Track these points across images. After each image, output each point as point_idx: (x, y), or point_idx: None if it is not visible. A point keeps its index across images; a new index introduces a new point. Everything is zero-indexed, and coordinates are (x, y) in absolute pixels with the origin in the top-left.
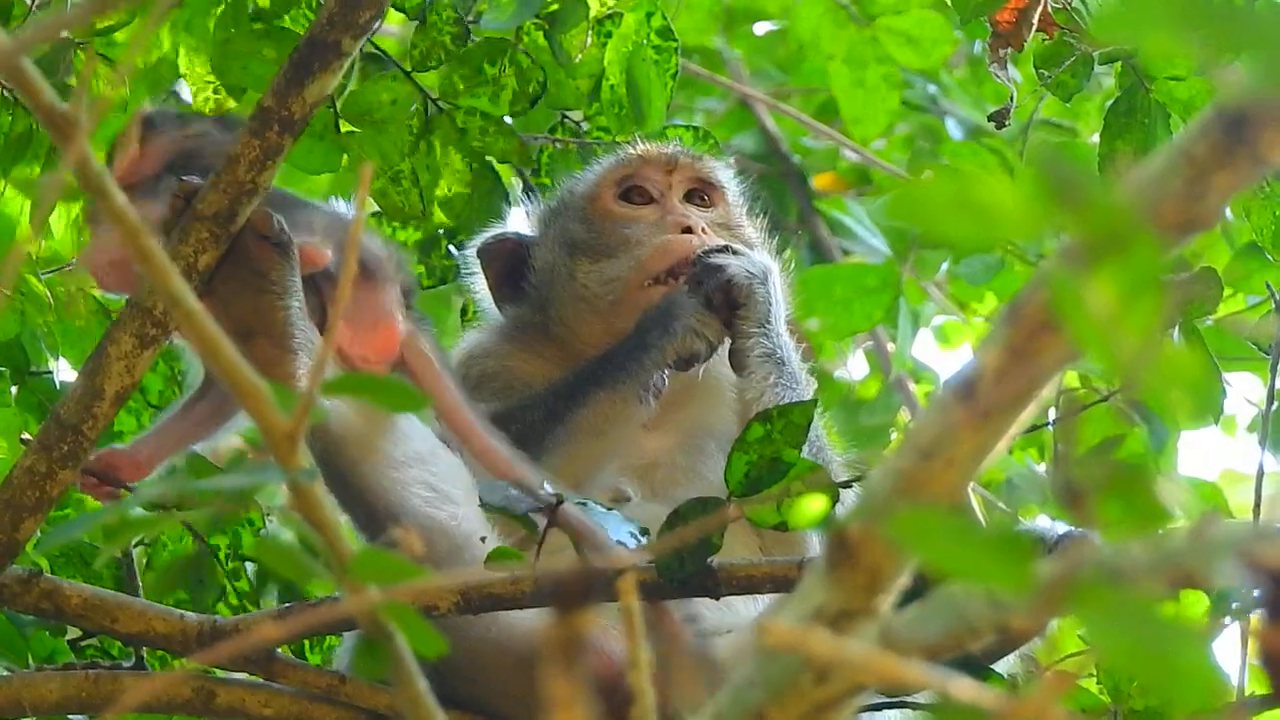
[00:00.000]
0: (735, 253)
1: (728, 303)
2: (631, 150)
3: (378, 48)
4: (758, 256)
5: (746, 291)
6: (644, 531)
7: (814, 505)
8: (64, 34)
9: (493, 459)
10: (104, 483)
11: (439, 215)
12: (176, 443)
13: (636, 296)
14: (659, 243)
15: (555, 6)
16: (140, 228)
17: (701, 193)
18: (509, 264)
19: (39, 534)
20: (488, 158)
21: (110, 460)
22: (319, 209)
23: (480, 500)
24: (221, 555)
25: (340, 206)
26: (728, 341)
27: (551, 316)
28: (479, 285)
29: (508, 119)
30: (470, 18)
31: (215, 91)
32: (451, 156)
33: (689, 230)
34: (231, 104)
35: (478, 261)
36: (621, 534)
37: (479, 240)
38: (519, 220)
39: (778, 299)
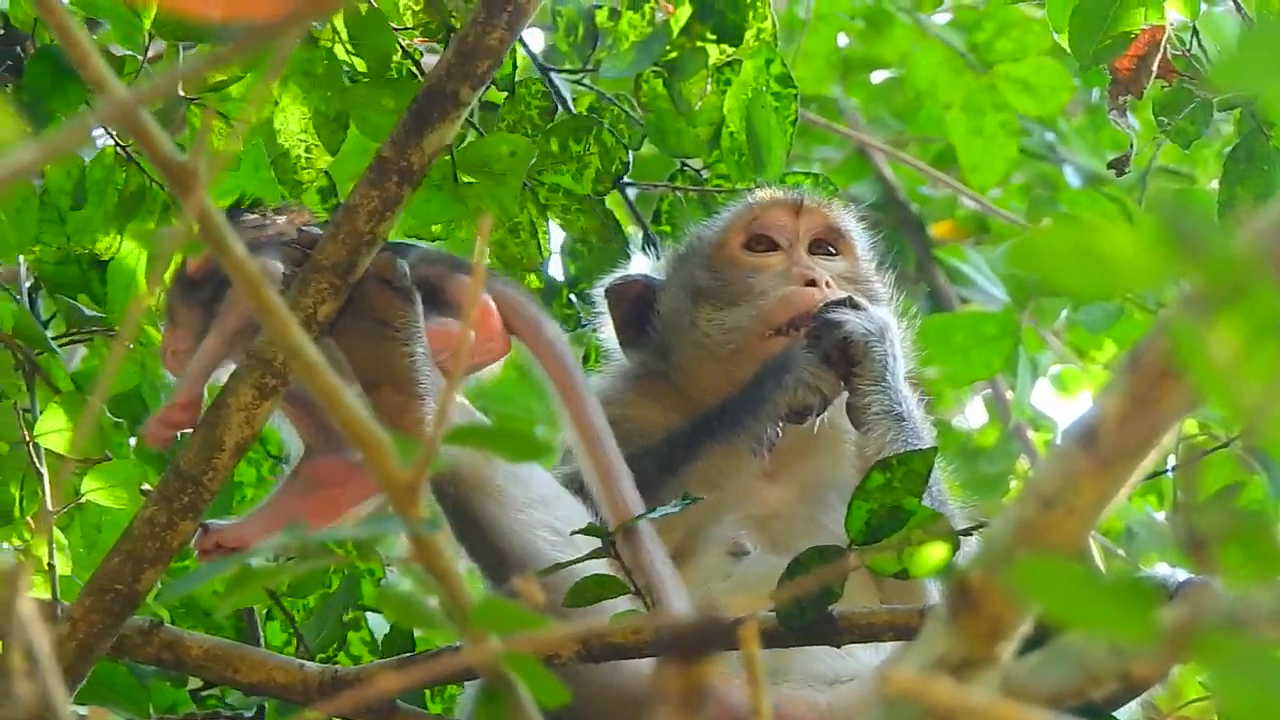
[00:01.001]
0: (856, 307)
1: (845, 358)
2: (759, 195)
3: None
4: (877, 312)
5: (863, 349)
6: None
7: (935, 553)
8: (178, 89)
9: (597, 449)
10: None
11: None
12: (280, 521)
13: (757, 347)
14: (781, 294)
15: (674, 54)
16: (260, 279)
17: (829, 243)
18: (635, 307)
19: (160, 585)
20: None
21: (218, 540)
22: (417, 248)
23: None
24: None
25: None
26: (845, 394)
27: (673, 363)
28: (604, 327)
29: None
30: (588, 65)
31: (307, 151)
32: (538, 229)
33: (813, 283)
34: (324, 160)
35: (604, 302)
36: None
37: (607, 281)
38: (646, 264)
39: (896, 355)
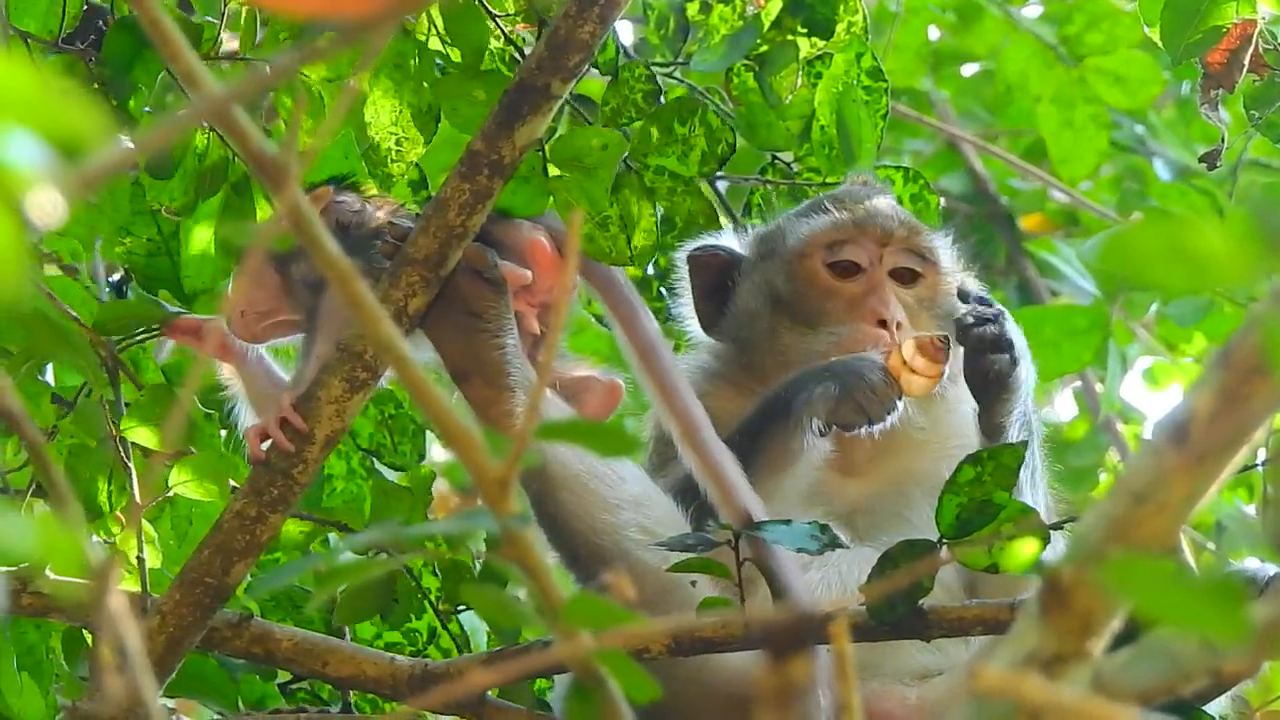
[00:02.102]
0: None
1: (990, 380)
2: (847, 216)
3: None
4: (1019, 338)
5: (1011, 383)
6: (824, 529)
7: (1025, 548)
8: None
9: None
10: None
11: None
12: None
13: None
14: (854, 332)
15: (765, 48)
16: (351, 274)
17: (911, 267)
18: (716, 277)
19: (249, 578)
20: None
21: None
22: (511, 223)
23: (660, 544)
24: (433, 597)
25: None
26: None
27: (754, 360)
28: (683, 295)
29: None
30: (679, 59)
31: (398, 143)
32: (642, 212)
33: (883, 323)
34: (415, 153)
35: (685, 268)
36: (802, 540)
37: (689, 247)
38: (731, 238)
39: (1031, 381)
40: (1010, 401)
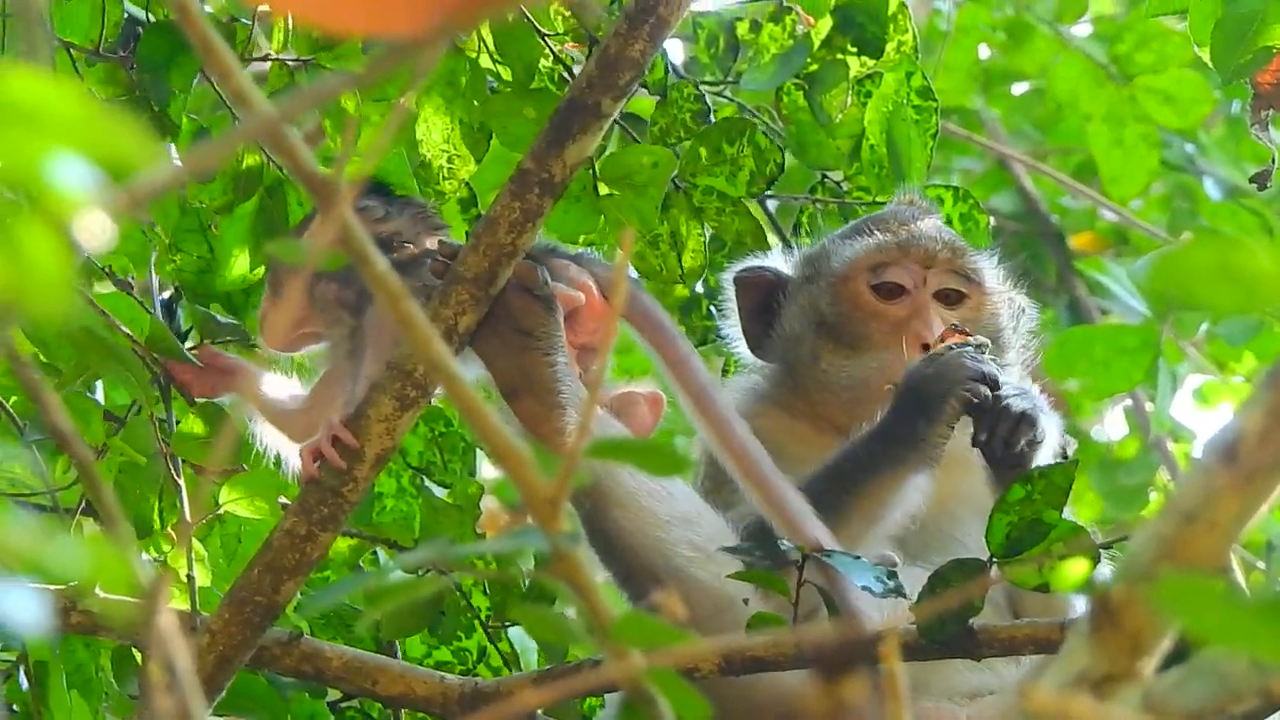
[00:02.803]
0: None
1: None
2: (891, 239)
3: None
4: (1040, 401)
5: (1031, 450)
6: (891, 574)
7: (1076, 568)
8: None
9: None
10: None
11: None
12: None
13: (876, 397)
14: (895, 359)
15: (815, 67)
16: (401, 292)
17: (956, 288)
18: (764, 297)
19: (299, 596)
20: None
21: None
22: (559, 248)
23: (729, 549)
24: (483, 615)
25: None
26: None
27: (799, 383)
28: (730, 316)
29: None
30: (730, 77)
31: (449, 161)
32: (691, 232)
33: (927, 347)
34: (467, 170)
35: (732, 289)
36: (867, 579)
37: (735, 268)
38: (779, 259)
39: (1051, 441)
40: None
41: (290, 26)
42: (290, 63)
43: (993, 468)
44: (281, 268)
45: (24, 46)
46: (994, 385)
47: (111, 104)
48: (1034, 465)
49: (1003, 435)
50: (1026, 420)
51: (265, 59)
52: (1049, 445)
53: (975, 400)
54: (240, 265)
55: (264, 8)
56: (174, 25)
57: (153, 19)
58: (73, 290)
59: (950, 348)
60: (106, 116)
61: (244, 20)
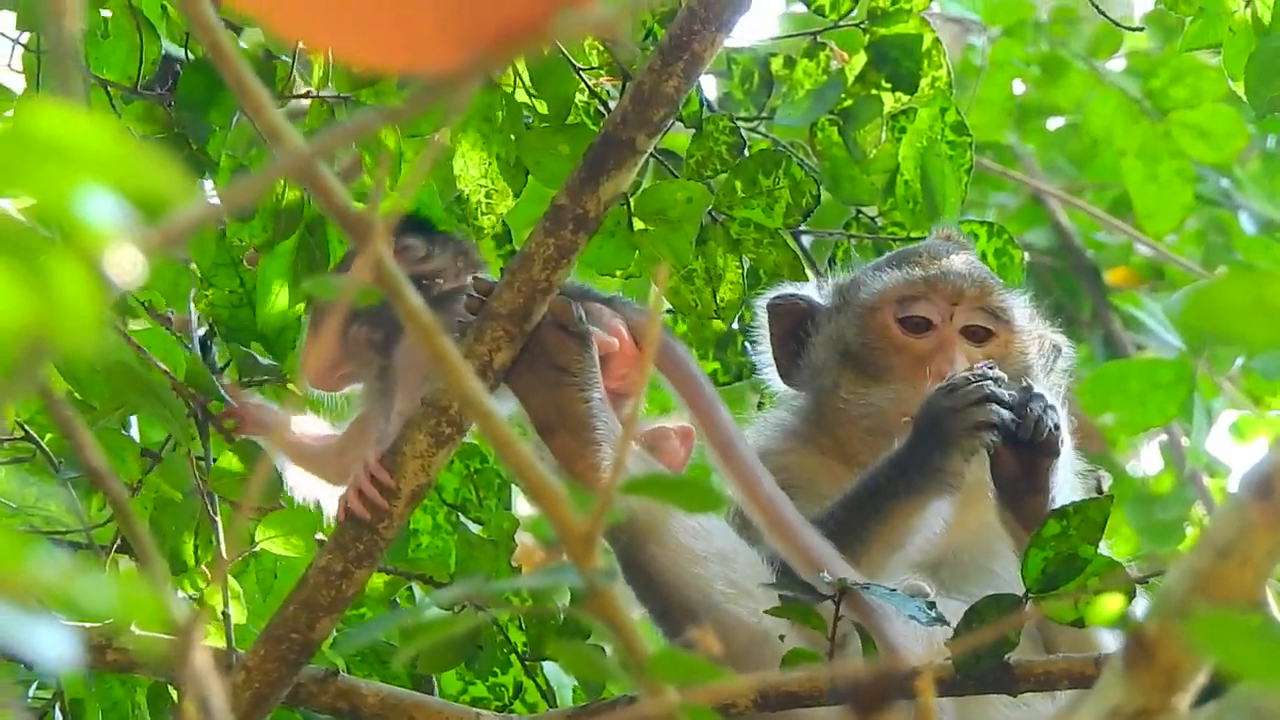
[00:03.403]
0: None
1: (1042, 447)
2: (920, 273)
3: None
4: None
5: (1050, 464)
6: (931, 605)
7: (1111, 603)
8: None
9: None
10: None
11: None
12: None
13: (893, 428)
14: (919, 390)
15: (849, 102)
16: (434, 329)
17: (984, 325)
18: (795, 324)
19: (335, 633)
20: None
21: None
22: (592, 290)
23: (767, 585)
24: (520, 651)
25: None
26: None
27: (823, 414)
28: (761, 343)
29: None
30: (764, 113)
31: (487, 195)
32: (728, 265)
33: None
34: (505, 205)
35: (765, 316)
36: (910, 610)
37: (770, 295)
38: (813, 289)
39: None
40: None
41: (330, 63)
42: (329, 99)
43: (1006, 496)
44: (322, 308)
45: (57, 82)
46: (1012, 411)
47: (149, 141)
48: (1056, 454)
49: (1030, 420)
50: (1047, 412)
51: (305, 96)
52: (1066, 459)
53: (991, 427)
54: (279, 301)
55: (303, 45)
56: (212, 63)
57: (192, 57)
58: (105, 326)
59: (969, 379)
60: (139, 152)
61: (284, 58)
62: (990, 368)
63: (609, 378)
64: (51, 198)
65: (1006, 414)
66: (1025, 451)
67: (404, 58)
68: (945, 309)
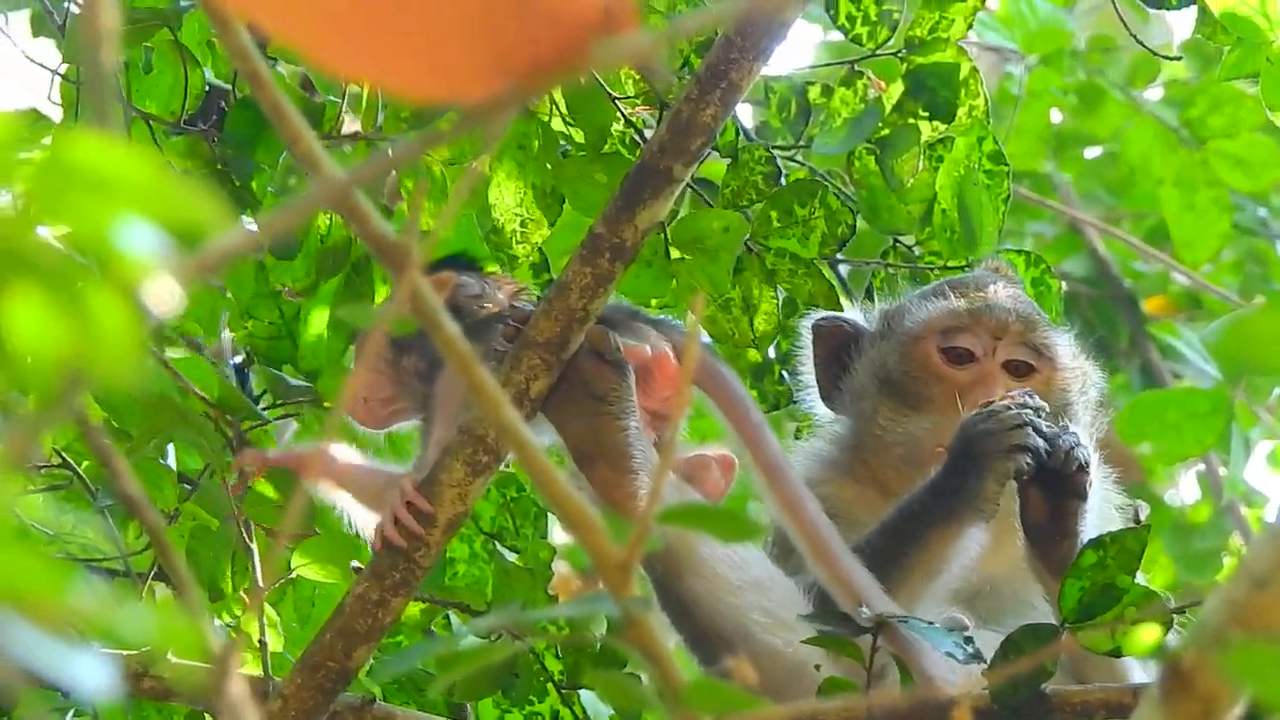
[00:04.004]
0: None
1: (1064, 484)
2: (964, 305)
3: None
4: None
5: (1080, 502)
6: (969, 640)
7: (1148, 633)
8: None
9: (802, 519)
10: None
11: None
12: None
13: (928, 458)
14: (954, 422)
15: (887, 131)
16: (471, 358)
17: (1026, 360)
18: (838, 347)
19: (372, 661)
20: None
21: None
22: (640, 312)
23: (804, 618)
24: (557, 679)
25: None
26: None
27: (859, 441)
28: (804, 364)
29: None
30: (801, 142)
31: (522, 224)
32: (763, 295)
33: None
34: (540, 235)
35: (809, 336)
36: (948, 646)
37: (814, 316)
38: (858, 314)
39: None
40: (1079, 518)
41: (379, 104)
42: (374, 138)
43: (1034, 541)
44: (369, 345)
45: (94, 113)
46: (1047, 441)
47: (191, 177)
48: (1083, 496)
49: (1061, 451)
50: (1077, 448)
51: (354, 137)
52: (1096, 501)
53: (1025, 450)
54: (323, 346)
55: (342, 77)
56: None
57: (240, 94)
58: (143, 355)
59: (1008, 407)
60: (175, 182)
61: (332, 98)
62: (1029, 395)
63: (650, 398)
64: (89, 227)
65: (1040, 441)
66: (1053, 491)
67: (441, 87)
68: (988, 342)
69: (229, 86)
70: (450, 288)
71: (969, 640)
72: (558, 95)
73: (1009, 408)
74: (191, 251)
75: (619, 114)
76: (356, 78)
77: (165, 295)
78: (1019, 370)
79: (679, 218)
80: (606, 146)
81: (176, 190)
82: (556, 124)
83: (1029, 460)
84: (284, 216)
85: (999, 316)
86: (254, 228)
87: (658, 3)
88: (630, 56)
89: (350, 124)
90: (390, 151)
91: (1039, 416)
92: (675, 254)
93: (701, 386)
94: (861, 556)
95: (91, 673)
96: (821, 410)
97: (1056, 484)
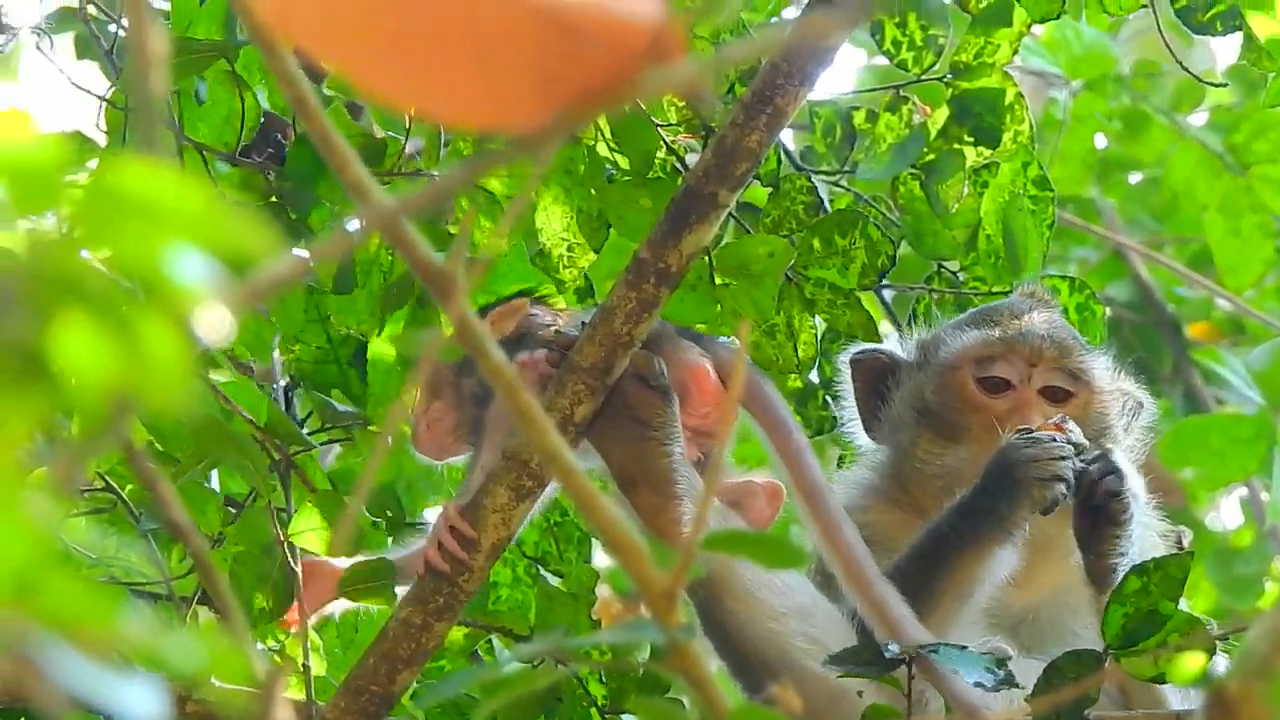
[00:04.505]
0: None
1: (1103, 514)
2: (998, 333)
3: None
4: (1132, 480)
5: (1122, 523)
6: (1000, 664)
7: (1192, 660)
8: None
9: (841, 549)
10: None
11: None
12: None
13: (968, 487)
14: (991, 452)
15: (932, 156)
16: (516, 384)
17: (1063, 386)
18: (877, 379)
19: (415, 686)
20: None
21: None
22: (686, 330)
23: (831, 661)
24: (600, 703)
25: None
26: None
27: (900, 471)
28: (845, 397)
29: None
30: (846, 167)
31: (569, 249)
32: (803, 324)
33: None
34: (586, 259)
35: (848, 370)
36: (978, 673)
37: (853, 350)
38: (895, 344)
39: (1138, 519)
40: (1120, 543)
41: (442, 143)
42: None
43: (1082, 549)
44: (444, 370)
45: (142, 140)
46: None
47: (244, 208)
48: (1119, 524)
49: (1089, 482)
50: (1108, 477)
51: (416, 174)
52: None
53: (1062, 484)
54: (392, 379)
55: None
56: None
57: (293, 125)
58: (192, 382)
59: (1052, 437)
60: (224, 210)
61: (394, 135)
62: (1068, 423)
63: (690, 414)
64: (137, 253)
65: (1067, 483)
66: (1088, 514)
67: (490, 115)
68: (1024, 369)
69: (288, 120)
70: (523, 314)
71: (1000, 664)
72: (603, 121)
73: (1053, 438)
74: (240, 279)
75: (662, 141)
76: (406, 106)
77: (216, 323)
78: (1056, 395)
79: (724, 243)
80: (651, 173)
81: (225, 218)
82: (601, 149)
83: (1064, 490)
84: (332, 244)
85: (1033, 343)
86: (303, 256)
87: (704, 30)
88: (678, 84)
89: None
90: (439, 179)
91: (1075, 450)
92: (720, 279)
93: (746, 408)
94: (894, 581)
95: (141, 700)
96: (864, 440)
97: (1093, 512)
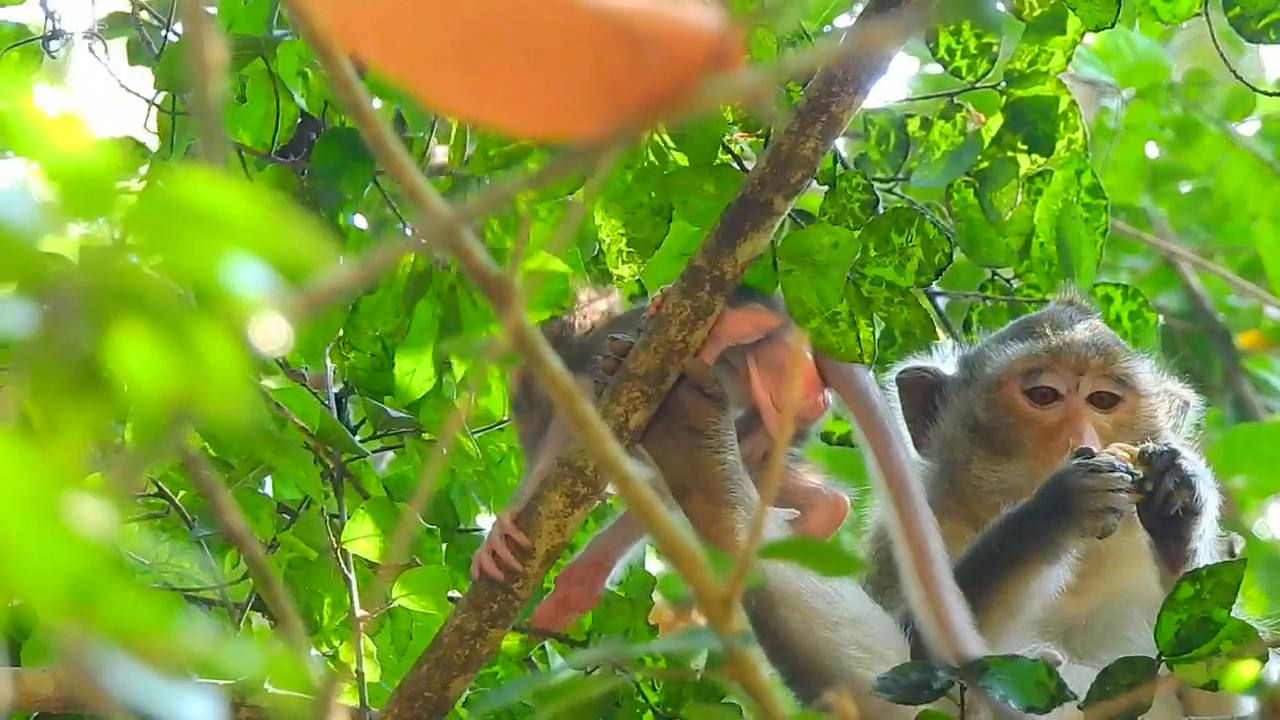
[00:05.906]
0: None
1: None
2: (1043, 345)
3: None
4: (1206, 478)
5: (1196, 519)
6: (1050, 672)
7: (1246, 668)
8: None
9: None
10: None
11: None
12: (623, 540)
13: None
14: (1048, 467)
15: (985, 164)
16: (574, 393)
17: (1111, 392)
18: (924, 397)
19: (469, 693)
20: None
21: (565, 590)
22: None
23: (878, 689)
24: (656, 709)
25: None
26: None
27: (956, 485)
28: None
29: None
30: (900, 174)
31: (629, 244)
32: (860, 323)
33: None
34: (647, 254)
35: (895, 389)
36: (1029, 693)
37: (899, 369)
38: (939, 359)
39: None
40: (1192, 541)
41: (468, 140)
42: (458, 176)
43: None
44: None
45: (201, 147)
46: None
47: (282, 207)
48: (1191, 530)
49: (1163, 493)
50: (1186, 482)
51: (441, 173)
52: (1208, 524)
53: (1117, 516)
54: (420, 378)
55: (450, 114)
56: (348, 132)
57: (328, 124)
58: (248, 390)
59: (1112, 465)
60: (281, 220)
61: (420, 135)
62: (1125, 452)
63: (775, 381)
64: (193, 261)
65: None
66: (1158, 532)
67: (550, 124)
68: (1071, 379)
69: (319, 118)
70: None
71: (1050, 673)
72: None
73: (1112, 465)
74: (295, 288)
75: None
76: (465, 115)
77: (273, 333)
78: (1104, 402)
79: (786, 234)
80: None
81: (282, 227)
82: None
83: (1116, 521)
84: (387, 253)
85: (1079, 352)
86: (359, 264)
87: (764, 39)
88: (738, 94)
89: (438, 156)
90: (491, 187)
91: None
92: (784, 266)
93: (838, 389)
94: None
95: (195, 707)
96: (918, 460)
97: (1160, 526)
